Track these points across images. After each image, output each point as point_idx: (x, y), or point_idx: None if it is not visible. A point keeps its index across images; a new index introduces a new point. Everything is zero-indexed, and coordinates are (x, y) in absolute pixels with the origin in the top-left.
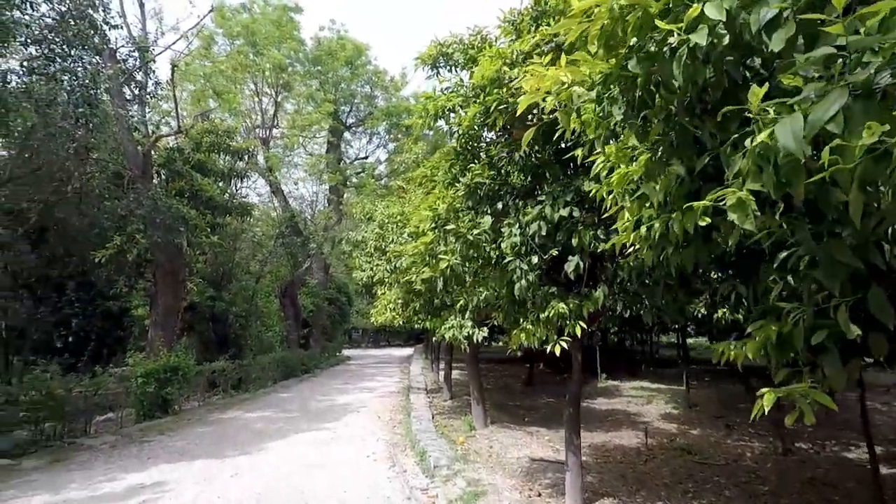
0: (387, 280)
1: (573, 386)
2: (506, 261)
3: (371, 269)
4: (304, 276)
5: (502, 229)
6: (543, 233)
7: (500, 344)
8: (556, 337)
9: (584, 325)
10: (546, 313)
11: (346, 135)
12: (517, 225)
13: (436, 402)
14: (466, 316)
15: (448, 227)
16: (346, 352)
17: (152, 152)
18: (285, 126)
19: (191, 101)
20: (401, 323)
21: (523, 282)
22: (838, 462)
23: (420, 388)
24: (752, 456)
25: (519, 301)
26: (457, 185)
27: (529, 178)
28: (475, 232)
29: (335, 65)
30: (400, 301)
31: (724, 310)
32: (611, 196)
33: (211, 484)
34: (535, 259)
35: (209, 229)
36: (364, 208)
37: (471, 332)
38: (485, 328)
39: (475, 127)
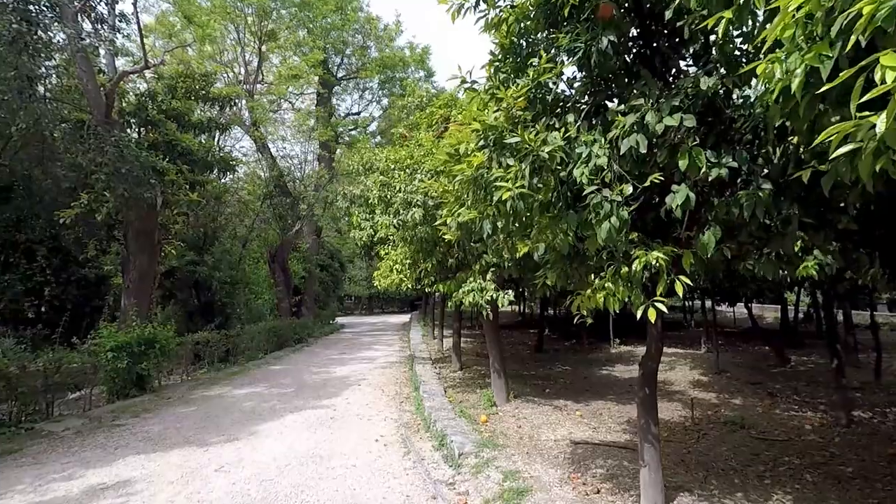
0: (392, 237)
1: (648, 360)
2: (587, 192)
3: (372, 226)
4: (294, 241)
5: (576, 149)
6: (643, 150)
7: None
8: (642, 298)
9: (688, 282)
10: (634, 266)
11: (337, 89)
12: (600, 141)
13: (444, 374)
14: (488, 277)
15: (510, 141)
16: (339, 319)
17: (116, 93)
18: (272, 80)
19: (160, 34)
20: (409, 287)
21: (613, 220)
22: None
23: (425, 358)
24: (812, 429)
25: (597, 251)
26: (509, 89)
27: (622, 73)
28: (546, 149)
29: (325, 9)
30: (408, 261)
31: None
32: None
33: (190, 483)
34: (628, 189)
35: (188, 186)
36: (363, 157)
37: (494, 296)
38: (509, 291)
39: (530, 9)
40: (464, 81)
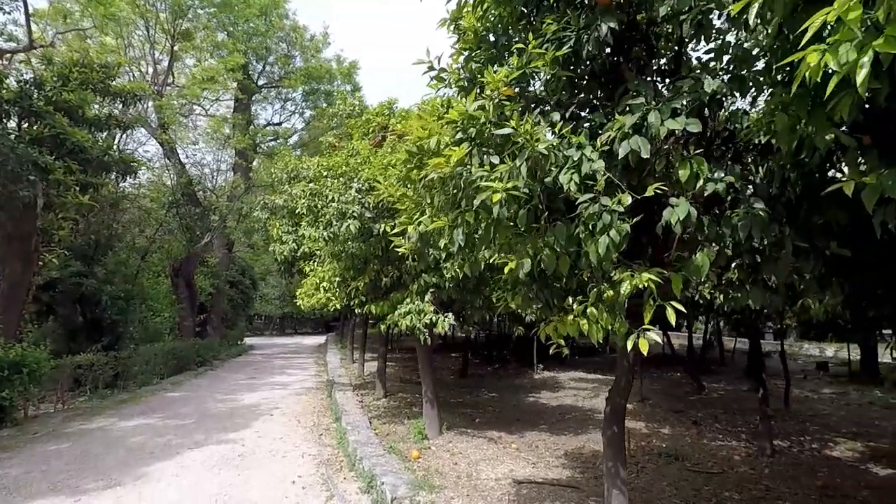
0: (319, 252)
1: (616, 396)
2: (581, 200)
3: (295, 240)
4: (202, 254)
5: (564, 151)
6: (644, 154)
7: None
8: (626, 325)
9: (680, 308)
10: (622, 289)
11: (257, 97)
12: (593, 144)
13: (367, 402)
14: (427, 298)
15: (501, 133)
16: (249, 340)
17: None
18: (184, 83)
19: (52, 20)
20: (337, 307)
21: (612, 234)
22: (832, 463)
23: (345, 384)
24: (741, 459)
25: (571, 272)
26: (499, 72)
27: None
28: (542, 146)
29: (247, 12)
30: (337, 279)
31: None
32: None
33: None
34: (627, 199)
35: (78, 188)
36: (287, 165)
37: (433, 319)
38: (449, 314)
39: None
40: (431, 68)
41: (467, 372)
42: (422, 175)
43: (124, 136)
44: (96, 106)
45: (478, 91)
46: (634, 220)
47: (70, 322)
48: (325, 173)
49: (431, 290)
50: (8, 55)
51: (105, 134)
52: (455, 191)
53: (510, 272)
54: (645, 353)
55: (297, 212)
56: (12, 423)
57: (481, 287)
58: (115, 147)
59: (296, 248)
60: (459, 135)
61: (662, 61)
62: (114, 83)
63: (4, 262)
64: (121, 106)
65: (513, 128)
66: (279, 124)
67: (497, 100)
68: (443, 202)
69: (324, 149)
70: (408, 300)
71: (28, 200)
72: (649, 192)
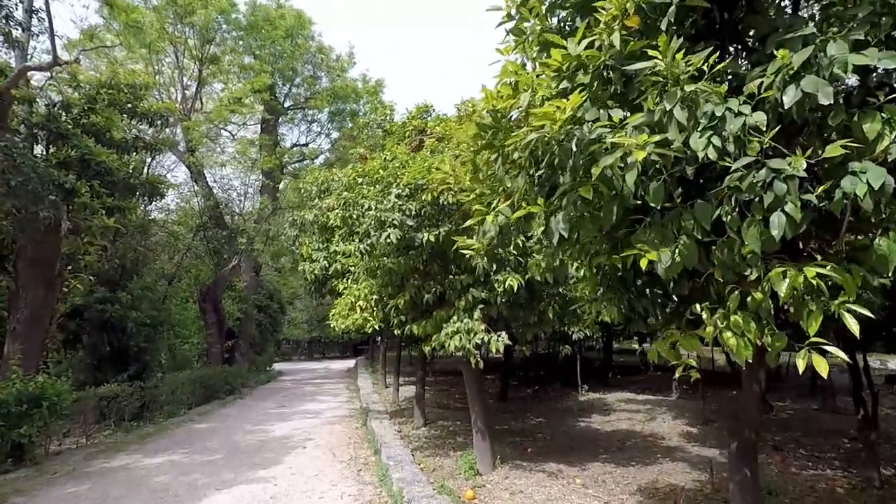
0: (354, 269)
1: (746, 429)
2: (734, 167)
3: (326, 257)
4: (229, 278)
5: (701, 107)
6: (825, 101)
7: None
8: (783, 339)
9: (865, 312)
10: (784, 288)
11: (283, 120)
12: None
13: (406, 431)
14: (475, 316)
15: (636, 67)
16: (277, 366)
17: (26, 100)
18: (212, 108)
19: (82, 42)
20: (376, 327)
21: (789, 209)
22: None
23: (381, 412)
24: (846, 492)
25: (684, 273)
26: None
27: None
28: (691, 87)
29: (274, 34)
30: (374, 297)
31: None
32: None
33: None
34: (801, 162)
35: (104, 211)
36: (317, 178)
37: (485, 339)
38: (502, 333)
39: None
40: (509, 17)
41: (507, 395)
42: (509, 143)
43: (153, 160)
44: (124, 128)
45: (585, 28)
46: (819, 188)
47: (97, 351)
48: (359, 180)
49: (480, 306)
50: (32, 72)
51: (133, 156)
52: (559, 159)
53: (589, 278)
54: (825, 376)
55: (329, 226)
56: (31, 462)
57: (534, 302)
58: (142, 169)
59: (327, 265)
60: (565, 84)
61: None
62: (141, 104)
63: (26, 289)
64: (148, 128)
65: (659, 59)
66: (305, 145)
67: (614, 33)
68: (528, 184)
69: (354, 161)
70: (454, 318)
71: (49, 222)
72: (832, 152)
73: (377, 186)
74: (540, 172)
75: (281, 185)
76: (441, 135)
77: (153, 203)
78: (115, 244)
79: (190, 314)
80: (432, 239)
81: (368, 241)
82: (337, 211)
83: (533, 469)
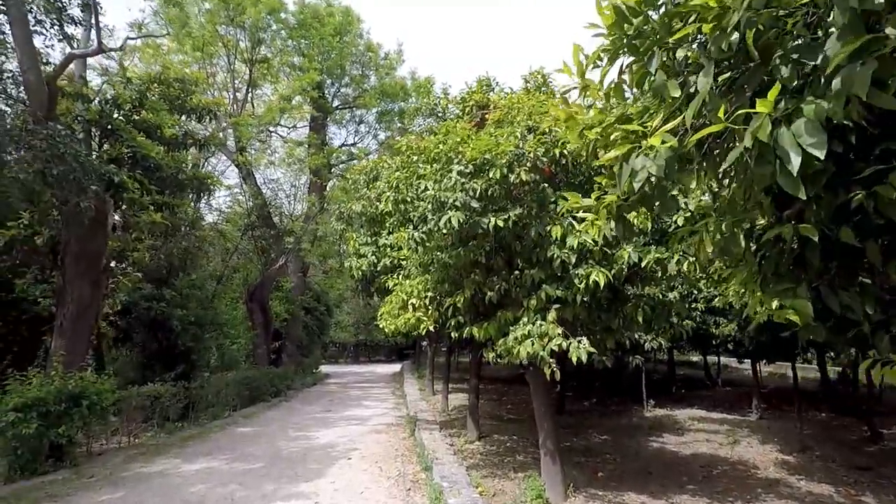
0: (406, 263)
1: None
2: None
3: (375, 252)
4: (276, 278)
5: None
6: None
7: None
8: None
9: None
10: None
11: (331, 121)
12: None
13: (459, 445)
14: (549, 318)
15: None
16: (323, 368)
17: (68, 89)
18: (262, 111)
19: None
20: (431, 328)
21: None
22: None
23: (430, 421)
24: None
25: None
26: None
27: None
28: None
29: (323, 31)
30: (429, 293)
31: None
32: None
33: None
34: None
35: (153, 207)
36: (366, 166)
37: (563, 345)
38: (583, 339)
39: None
40: None
41: (564, 408)
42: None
43: (204, 161)
44: (173, 125)
45: None
46: None
47: (146, 349)
48: (414, 158)
49: (555, 306)
50: (77, 58)
51: (184, 154)
52: None
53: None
54: None
55: (378, 217)
56: (71, 464)
57: (617, 303)
58: (189, 164)
59: (375, 261)
60: None
61: None
62: (191, 99)
63: (72, 284)
64: (196, 120)
65: None
66: (353, 145)
67: None
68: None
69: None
70: (523, 320)
71: (93, 215)
72: None
73: (435, 165)
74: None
75: (328, 185)
76: (507, 109)
77: (202, 200)
78: (164, 241)
79: (239, 314)
80: (500, 224)
81: (425, 228)
82: (388, 194)
83: (612, 501)
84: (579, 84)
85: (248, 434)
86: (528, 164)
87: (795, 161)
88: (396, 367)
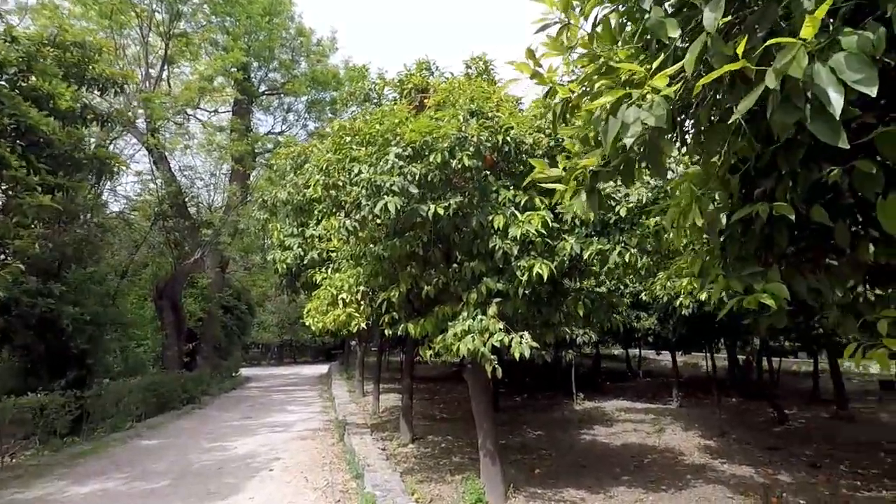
0: (337, 255)
1: None
2: None
3: (301, 244)
4: (191, 274)
5: None
6: None
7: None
8: None
9: None
10: None
11: (257, 106)
12: None
13: (392, 449)
14: (490, 312)
15: None
16: (244, 371)
17: None
18: (180, 90)
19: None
20: (363, 325)
21: None
22: None
23: (360, 425)
24: None
25: None
26: None
27: None
28: None
29: (251, 8)
30: (361, 288)
31: None
32: None
33: None
34: None
35: (40, 188)
36: (292, 151)
37: (505, 341)
38: (524, 333)
39: None
40: None
41: (499, 405)
42: None
43: (108, 140)
44: (71, 96)
45: None
46: None
47: (31, 353)
48: (347, 139)
49: (496, 300)
50: None
51: (83, 129)
52: None
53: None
54: None
55: (305, 206)
56: None
57: (557, 297)
58: (92, 143)
59: (302, 254)
60: None
61: None
62: (92, 67)
63: None
64: (98, 93)
65: None
66: (280, 133)
67: None
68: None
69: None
70: (463, 314)
71: None
72: None
73: (371, 147)
74: None
75: (252, 175)
76: (448, 92)
77: (105, 184)
78: (56, 229)
79: (147, 313)
80: (440, 212)
81: (359, 215)
82: (318, 178)
83: (552, 499)
84: (561, 20)
85: (152, 447)
86: (472, 149)
87: (837, 101)
88: (324, 369)
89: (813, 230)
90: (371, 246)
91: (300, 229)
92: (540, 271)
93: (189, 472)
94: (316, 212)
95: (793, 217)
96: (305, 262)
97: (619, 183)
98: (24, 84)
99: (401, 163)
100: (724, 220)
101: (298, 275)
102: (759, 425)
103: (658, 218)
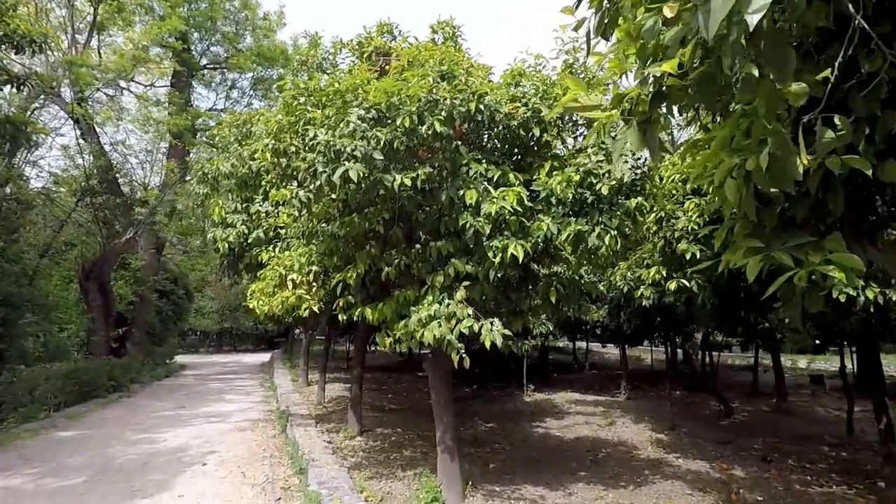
0: (286, 232)
1: None
2: None
3: (246, 220)
4: (122, 254)
5: None
6: None
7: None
8: None
9: None
10: None
11: (198, 81)
12: None
13: (338, 442)
14: (458, 297)
15: None
16: (180, 358)
17: None
18: (111, 57)
19: None
20: (315, 309)
21: None
22: None
23: (304, 416)
24: None
25: None
26: None
27: None
28: None
29: None
30: (313, 268)
31: None
32: None
33: None
34: None
35: None
36: (236, 119)
37: (475, 328)
38: (495, 320)
39: None
40: None
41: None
42: None
43: (29, 109)
44: None
45: None
46: None
47: None
48: (301, 99)
49: (465, 283)
50: None
51: None
52: None
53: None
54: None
55: (253, 176)
56: None
57: (528, 281)
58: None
59: (246, 231)
60: None
61: None
62: (5, 23)
63: None
64: (13, 53)
65: None
66: (223, 110)
67: None
68: None
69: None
70: (428, 298)
71: None
72: None
73: (329, 109)
74: None
75: (192, 153)
76: (415, 56)
77: (21, 154)
78: None
79: (72, 296)
80: (408, 183)
81: (314, 185)
82: (266, 143)
83: (511, 497)
84: None
85: (69, 439)
86: (443, 114)
87: None
88: (266, 357)
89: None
90: (324, 225)
91: (244, 205)
92: (515, 252)
93: (110, 468)
94: (263, 182)
95: (870, 172)
96: (250, 240)
97: (601, 158)
98: None
99: (364, 125)
100: (800, 172)
101: (242, 255)
102: (707, 418)
103: (640, 199)
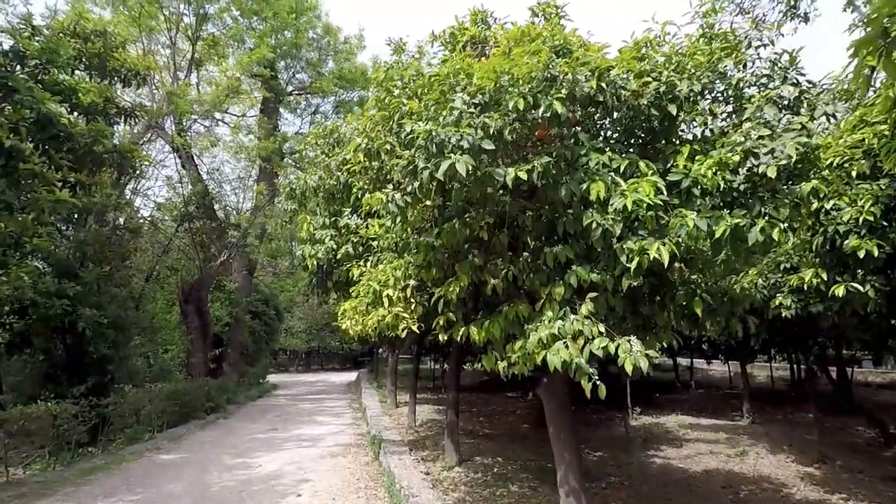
0: (378, 244)
1: None
2: None
3: (333, 236)
4: (217, 277)
5: None
6: None
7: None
8: None
9: None
10: None
11: (284, 106)
12: None
13: (436, 473)
14: (584, 310)
15: None
16: (272, 378)
17: None
18: (208, 89)
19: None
20: (414, 328)
21: None
22: None
23: (396, 442)
24: None
25: None
26: None
27: None
28: None
29: (278, 5)
30: (411, 281)
31: None
32: None
33: None
34: None
35: (59, 185)
36: (323, 131)
37: (610, 349)
38: (632, 338)
39: None
40: None
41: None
42: None
43: (136, 139)
44: (93, 88)
45: None
46: None
47: (51, 357)
48: (396, 91)
49: (591, 294)
50: None
51: (103, 122)
52: None
53: None
54: None
55: (341, 188)
56: None
57: (663, 289)
58: (108, 131)
59: (335, 247)
60: None
61: None
62: (114, 58)
63: None
64: (120, 85)
65: None
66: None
67: None
68: None
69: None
70: (547, 314)
71: None
72: None
73: (428, 97)
74: None
75: (280, 176)
76: (518, 39)
77: (126, 181)
78: (76, 226)
79: (174, 319)
80: (523, 177)
81: (415, 184)
82: (359, 143)
83: None
84: None
85: (170, 463)
86: (564, 91)
87: None
88: (352, 376)
89: None
90: (417, 236)
91: (332, 219)
92: (657, 255)
93: (206, 497)
94: (354, 190)
95: None
96: (339, 256)
97: (764, 132)
98: (45, 77)
99: (471, 111)
100: None
101: (330, 272)
102: (860, 447)
103: (815, 181)
